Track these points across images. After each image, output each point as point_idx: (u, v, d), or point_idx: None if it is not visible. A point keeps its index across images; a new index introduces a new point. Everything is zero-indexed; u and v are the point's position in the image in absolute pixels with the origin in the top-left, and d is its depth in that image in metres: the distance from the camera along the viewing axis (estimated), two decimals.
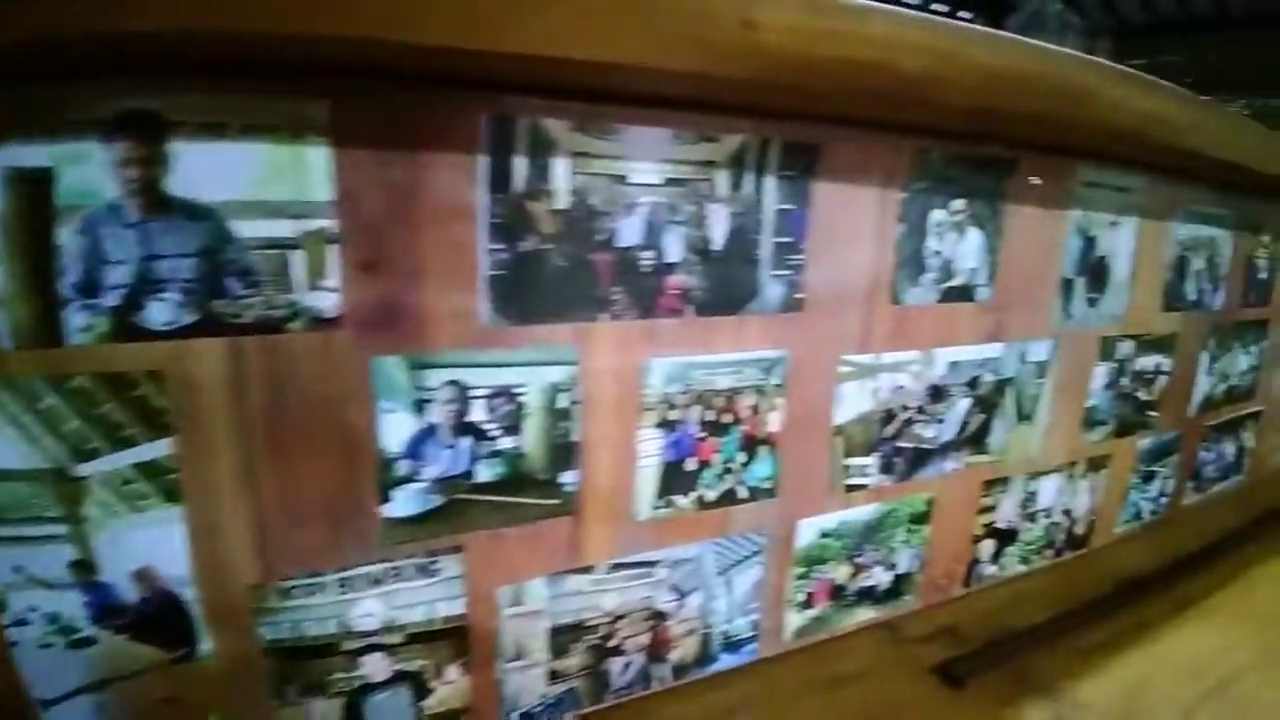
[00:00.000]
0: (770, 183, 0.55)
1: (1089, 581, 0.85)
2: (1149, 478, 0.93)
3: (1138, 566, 0.90)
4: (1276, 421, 1.17)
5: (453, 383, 0.49)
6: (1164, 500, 0.97)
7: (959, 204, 0.63)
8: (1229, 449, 1.07)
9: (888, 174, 0.59)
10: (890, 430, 0.67)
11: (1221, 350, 0.97)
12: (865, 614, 0.72)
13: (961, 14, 4.90)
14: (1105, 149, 0.66)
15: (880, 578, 0.72)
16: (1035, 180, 0.67)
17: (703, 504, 0.59)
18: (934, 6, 4.82)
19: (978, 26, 0.48)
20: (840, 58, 0.42)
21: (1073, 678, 0.69)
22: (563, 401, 0.52)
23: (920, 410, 0.68)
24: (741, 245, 0.55)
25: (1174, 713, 0.65)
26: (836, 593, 0.69)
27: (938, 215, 0.63)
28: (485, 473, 0.51)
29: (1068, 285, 0.73)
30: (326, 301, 0.42)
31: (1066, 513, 0.84)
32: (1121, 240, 0.76)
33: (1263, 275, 1.01)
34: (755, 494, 0.61)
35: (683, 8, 0.39)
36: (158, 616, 0.43)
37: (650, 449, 0.56)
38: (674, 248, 0.52)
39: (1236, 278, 0.95)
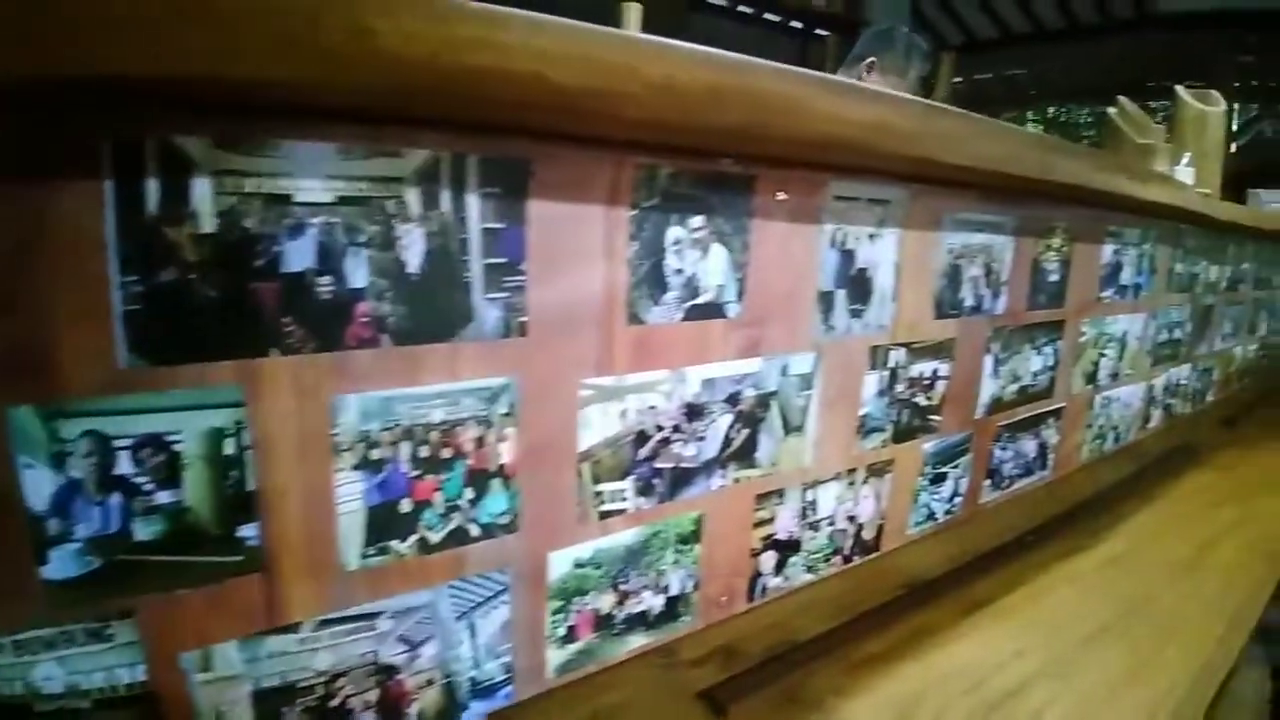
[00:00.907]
0: (474, 201, 0.52)
1: (881, 587, 0.86)
2: (939, 479, 0.95)
3: (933, 568, 0.91)
4: (1078, 418, 1.23)
5: (90, 433, 0.43)
6: (959, 500, 1.00)
7: (698, 221, 0.62)
8: (1028, 446, 1.11)
9: (612, 191, 0.57)
10: (645, 452, 0.65)
11: (1009, 352, 1.00)
12: (639, 641, 0.70)
13: (819, 31, 5.07)
14: (845, 160, 0.66)
15: (651, 602, 0.70)
16: (781, 196, 0.66)
17: (427, 547, 0.55)
18: (792, 24, 4.98)
19: (654, 37, 0.46)
20: (473, 67, 0.39)
21: (843, 694, 0.69)
22: (230, 448, 0.47)
23: (677, 429, 0.66)
24: (445, 268, 0.51)
25: None
26: (602, 623, 0.67)
27: (676, 233, 0.61)
28: (144, 531, 0.45)
29: (827, 298, 0.73)
30: None
31: (851, 519, 0.84)
32: (883, 252, 0.77)
33: (1053, 278, 1.06)
34: (491, 531, 0.58)
35: (296, 12, 0.35)
36: None
37: (351, 493, 0.51)
38: (358, 272, 0.48)
39: (1021, 282, 0.99)
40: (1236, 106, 7.37)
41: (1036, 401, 1.10)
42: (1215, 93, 1.84)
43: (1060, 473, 1.22)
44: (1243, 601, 0.92)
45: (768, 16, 5.27)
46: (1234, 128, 7.64)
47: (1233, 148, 7.61)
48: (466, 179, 0.51)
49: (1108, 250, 1.16)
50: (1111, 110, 1.30)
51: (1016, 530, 1.05)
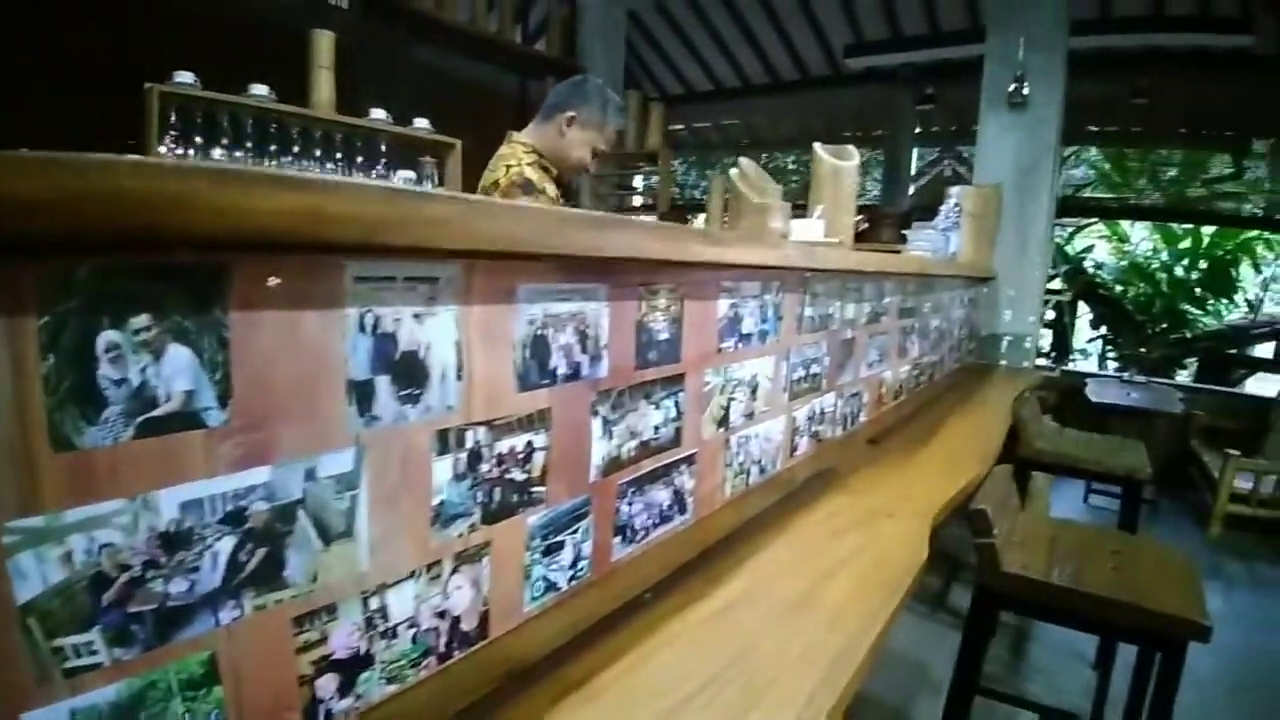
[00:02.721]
0: None
1: (479, 680, 0.81)
2: (555, 549, 0.93)
3: (544, 646, 0.89)
4: (714, 460, 1.30)
5: None
6: (584, 564, 0.99)
7: (143, 320, 0.52)
8: (661, 496, 1.15)
9: (13, 298, 0.46)
10: (111, 596, 0.54)
11: (621, 412, 1.02)
12: None
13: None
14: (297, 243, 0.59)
15: None
16: (274, 281, 0.59)
17: None
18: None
19: None
20: None
21: None
22: None
23: (152, 565, 0.56)
24: None
25: None
26: None
27: (111, 337, 0.51)
28: None
29: (364, 387, 0.67)
30: None
31: (442, 614, 0.79)
32: (439, 330, 0.73)
33: (664, 336, 1.10)
34: None
35: None
36: None
37: None
38: None
39: (624, 344, 1.01)
40: (917, 150, 8.81)
41: (663, 453, 1.14)
42: (851, 148, 2.12)
43: (703, 513, 1.27)
44: (844, 646, 0.96)
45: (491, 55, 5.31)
46: (913, 170, 9.07)
47: (911, 189, 9.03)
48: None
49: (724, 305, 1.25)
50: (733, 171, 1.41)
51: (650, 582, 1.07)
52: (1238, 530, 4.13)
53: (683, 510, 1.22)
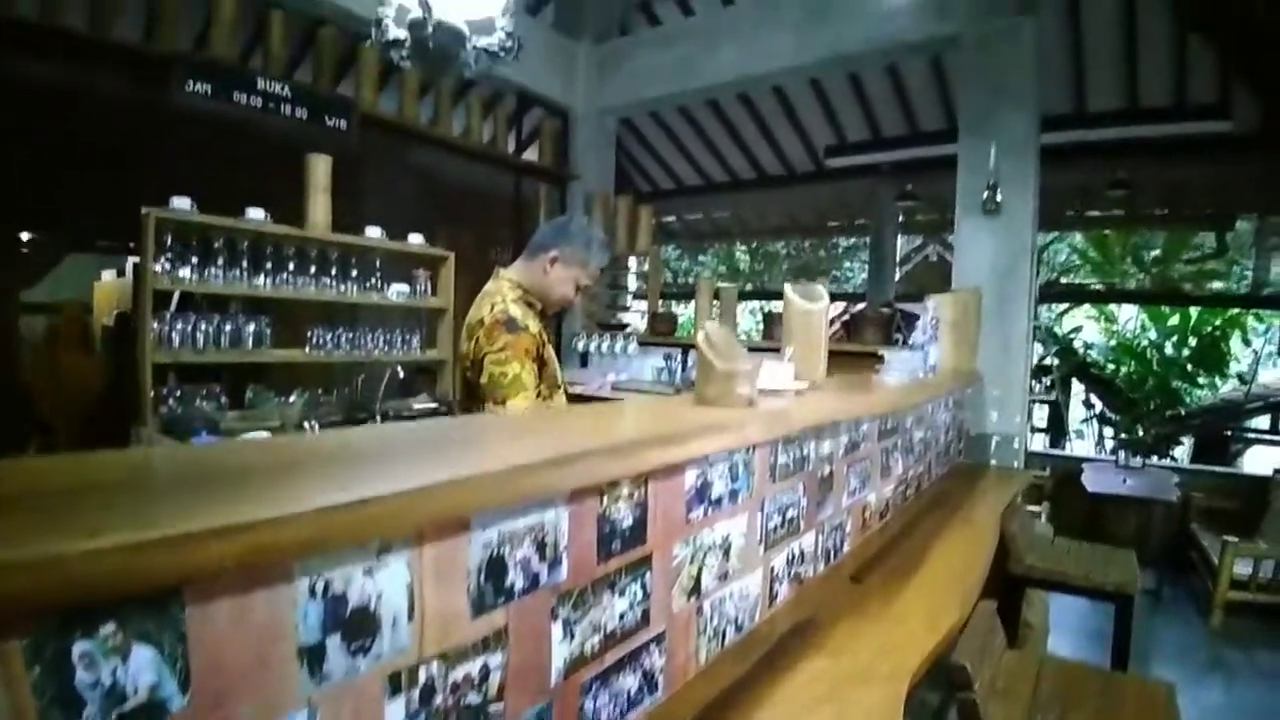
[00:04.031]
0: None
1: None
2: None
3: None
4: (685, 632, 1.30)
5: None
6: None
7: (110, 628, 0.55)
8: (628, 681, 1.14)
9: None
10: None
11: (582, 610, 1.03)
12: None
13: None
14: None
15: None
16: (225, 582, 0.61)
17: None
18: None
19: None
20: None
21: None
22: None
23: None
24: None
25: None
26: None
27: (84, 646, 0.54)
28: None
29: (315, 650, 0.69)
30: None
31: None
32: (389, 580, 0.75)
33: (628, 523, 1.12)
34: None
35: None
36: None
37: None
38: None
39: (585, 542, 1.03)
40: (902, 239, 9.04)
41: (630, 638, 1.14)
42: (820, 287, 2.19)
43: (676, 687, 1.26)
44: None
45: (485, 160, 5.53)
46: (900, 255, 9.27)
47: (898, 274, 9.19)
48: None
49: (691, 476, 1.27)
50: (700, 336, 1.46)
51: None
52: (1239, 616, 4.07)
53: (653, 689, 1.21)
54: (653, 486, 1.17)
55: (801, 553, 1.79)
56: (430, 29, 2.59)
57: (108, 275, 8.88)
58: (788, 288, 2.01)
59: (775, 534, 1.63)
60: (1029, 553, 2.83)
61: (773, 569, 1.63)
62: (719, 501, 1.37)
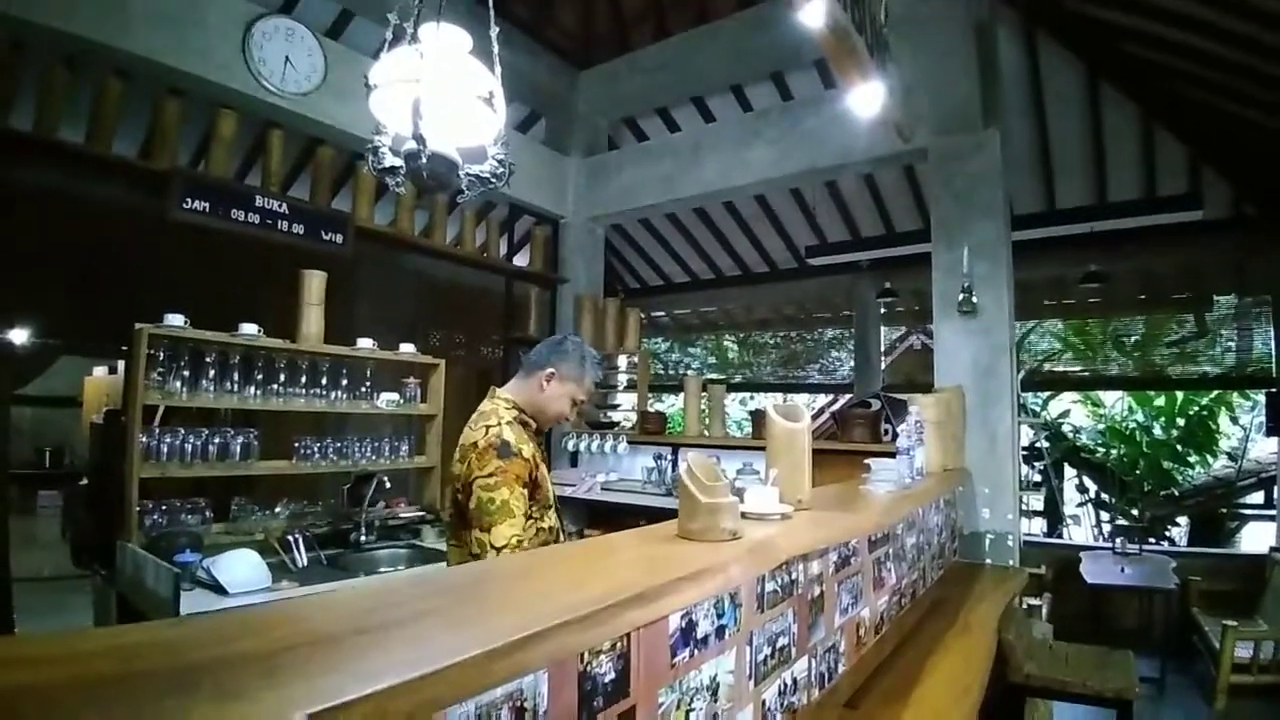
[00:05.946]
0: None
1: None
2: None
3: None
4: None
5: None
6: None
7: None
8: None
9: None
10: None
11: None
12: None
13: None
14: None
15: None
16: None
17: None
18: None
19: None
20: None
21: None
22: None
23: None
24: None
25: None
26: None
27: None
28: None
29: None
30: None
31: None
32: None
33: (609, 677, 1.10)
34: None
35: None
36: None
37: None
38: None
39: (566, 701, 1.02)
40: (885, 329, 9.20)
41: None
42: (801, 405, 2.23)
43: None
44: None
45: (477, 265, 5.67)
46: (884, 345, 9.41)
47: (884, 364, 9.31)
48: None
49: (673, 620, 1.26)
50: (682, 467, 1.49)
51: None
52: (1243, 699, 4.02)
53: None
54: (635, 636, 1.16)
55: (794, 681, 1.75)
56: (424, 159, 2.72)
57: (99, 371, 8.91)
58: (770, 409, 2.05)
59: (765, 666, 1.60)
60: (1028, 660, 2.78)
61: (764, 703, 1.59)
62: (705, 640, 1.36)
